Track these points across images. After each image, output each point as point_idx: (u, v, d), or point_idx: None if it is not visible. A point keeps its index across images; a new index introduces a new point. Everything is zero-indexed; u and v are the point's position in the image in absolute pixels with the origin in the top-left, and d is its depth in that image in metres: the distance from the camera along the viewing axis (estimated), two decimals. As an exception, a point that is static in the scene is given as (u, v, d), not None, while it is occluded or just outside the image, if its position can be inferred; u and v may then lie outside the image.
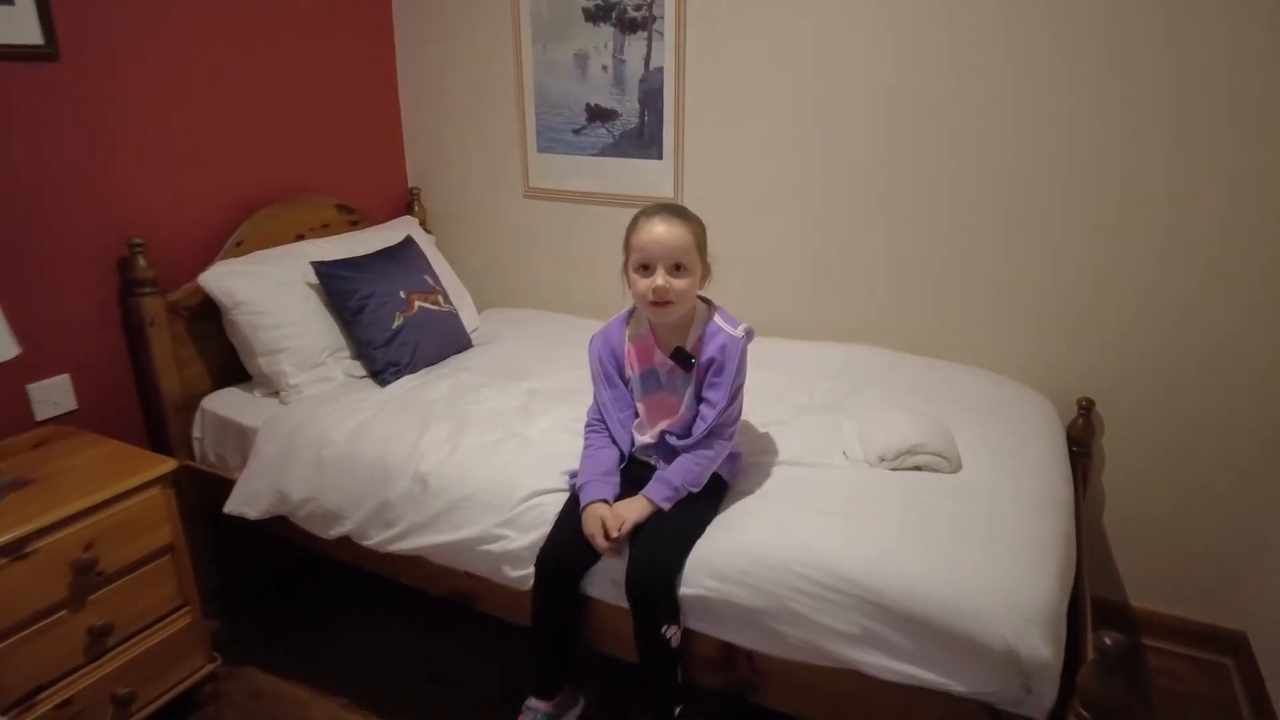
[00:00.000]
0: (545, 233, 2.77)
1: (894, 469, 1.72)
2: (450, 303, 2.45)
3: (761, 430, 1.89)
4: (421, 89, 2.83)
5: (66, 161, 1.96)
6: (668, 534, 1.57)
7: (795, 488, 1.67)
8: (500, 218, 2.84)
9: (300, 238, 2.48)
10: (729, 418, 1.63)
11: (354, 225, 2.67)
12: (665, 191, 2.51)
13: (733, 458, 1.73)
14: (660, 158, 2.49)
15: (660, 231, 1.58)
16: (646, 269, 1.59)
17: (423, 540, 1.77)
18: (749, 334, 1.64)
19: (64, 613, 1.70)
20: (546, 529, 1.66)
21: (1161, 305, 2.05)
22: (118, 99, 2.05)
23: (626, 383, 1.74)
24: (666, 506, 1.58)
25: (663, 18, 2.35)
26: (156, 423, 2.19)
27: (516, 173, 2.75)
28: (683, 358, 1.65)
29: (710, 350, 1.62)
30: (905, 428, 1.75)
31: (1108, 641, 1.24)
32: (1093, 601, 1.60)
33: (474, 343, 2.51)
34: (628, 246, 1.64)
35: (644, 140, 2.50)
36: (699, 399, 1.66)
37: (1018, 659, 1.30)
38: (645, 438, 1.71)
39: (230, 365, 2.29)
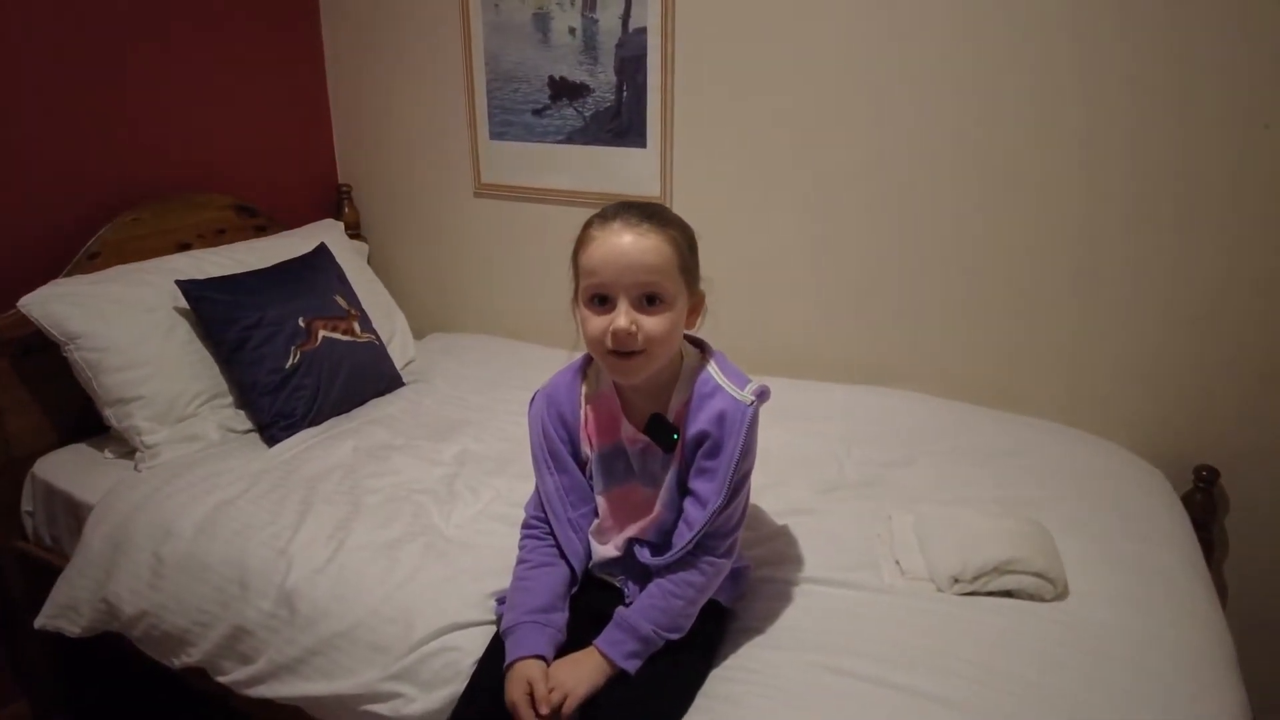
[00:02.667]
0: (500, 240, 2.23)
1: (965, 593, 1.17)
2: (370, 330, 1.91)
3: (776, 523, 1.35)
4: (352, 61, 2.29)
5: None
6: (636, 705, 1.03)
7: (828, 628, 1.13)
8: (446, 222, 2.30)
9: (185, 247, 1.94)
10: (727, 523, 1.09)
11: (260, 232, 2.13)
12: (650, 189, 1.97)
13: (735, 573, 1.19)
14: (643, 145, 1.95)
15: (624, 245, 1.03)
16: (603, 300, 1.05)
17: (288, 689, 1.23)
18: (762, 396, 1.09)
19: None
20: (460, 686, 1.12)
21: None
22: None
23: (583, 466, 1.20)
24: (631, 668, 1.04)
25: (645, -36, 1.81)
26: (-32, 491, 1.66)
27: (465, 166, 2.21)
28: (662, 431, 1.11)
29: (703, 421, 1.07)
30: (985, 531, 1.21)
31: None
32: None
33: (404, 380, 1.97)
34: (576, 267, 1.10)
35: (622, 123, 1.96)
36: (684, 492, 1.12)
37: None
38: (607, 549, 1.16)
39: (87, 414, 1.74)
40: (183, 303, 1.70)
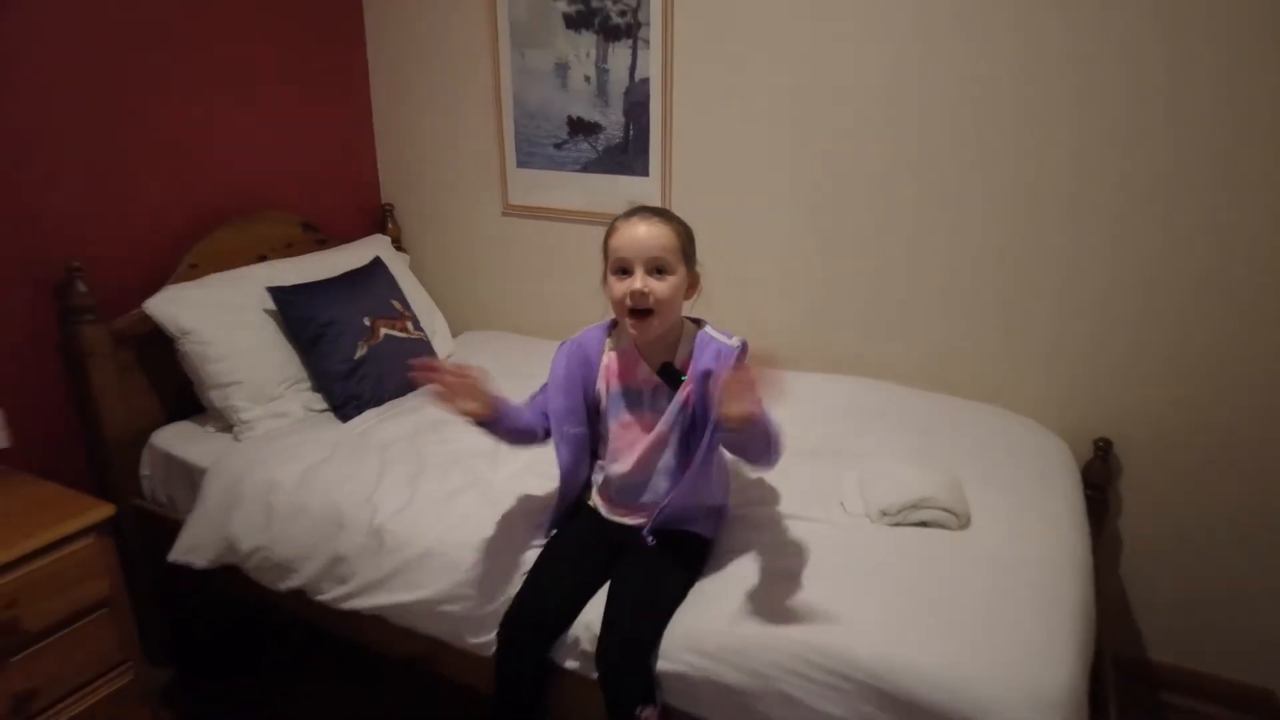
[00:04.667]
0: (525, 252, 2.62)
1: (896, 524, 1.56)
2: (420, 329, 2.29)
3: (753, 477, 1.73)
4: (396, 99, 2.67)
5: (-3, 179, 1.81)
6: (643, 603, 1.41)
7: (789, 547, 1.51)
8: (478, 236, 2.68)
9: (263, 258, 2.32)
10: None
11: (321, 245, 2.51)
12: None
13: (715, 512, 1.57)
14: (646, 174, 2.33)
15: (640, 231, 1.42)
16: (625, 272, 1.43)
17: (378, 599, 1.61)
18: (745, 345, 1.47)
19: (-16, 677, 1.54)
20: (512, 591, 1.50)
21: (1192, 338, 1.90)
22: (54, 108, 1.89)
23: (592, 401, 1.57)
24: (769, 419, 1.32)
25: (648, 24, 2.19)
26: (100, 460, 2.03)
27: (494, 189, 2.60)
28: (671, 375, 1.49)
29: (705, 361, 1.45)
30: (911, 479, 1.60)
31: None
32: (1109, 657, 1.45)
33: (447, 371, 2.35)
34: (606, 252, 1.48)
35: (629, 156, 2.34)
36: (690, 426, 1.49)
37: (1033, 756, 1.15)
38: (620, 465, 1.54)
39: (187, 396, 2.13)
40: (269, 304, 2.08)
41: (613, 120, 2.33)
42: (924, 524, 1.56)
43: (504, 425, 1.50)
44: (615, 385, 1.55)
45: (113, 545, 1.74)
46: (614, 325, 1.59)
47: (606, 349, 1.57)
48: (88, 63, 1.94)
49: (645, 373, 1.52)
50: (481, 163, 2.58)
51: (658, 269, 1.42)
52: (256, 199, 2.37)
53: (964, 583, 1.40)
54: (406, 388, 2.19)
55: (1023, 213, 1.98)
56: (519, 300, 2.67)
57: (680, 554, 1.49)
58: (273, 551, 1.73)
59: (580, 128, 2.38)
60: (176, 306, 1.97)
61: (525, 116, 2.45)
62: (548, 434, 1.58)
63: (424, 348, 2.28)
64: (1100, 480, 2.00)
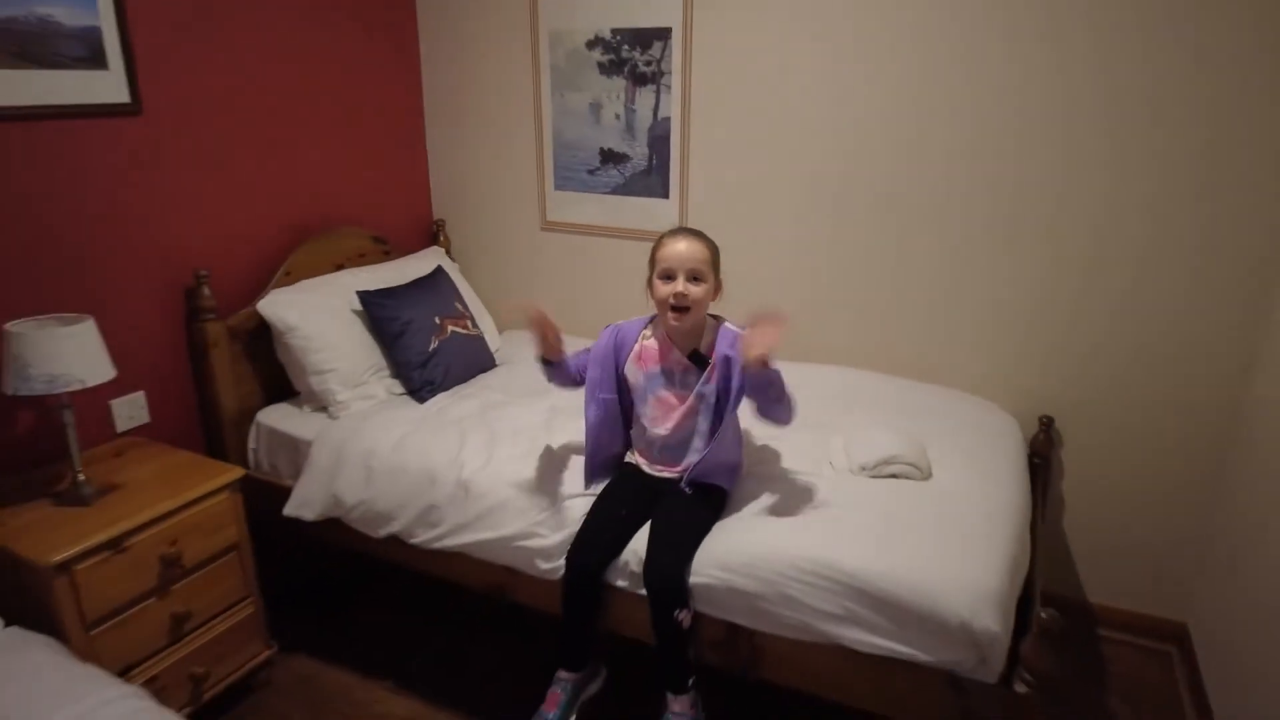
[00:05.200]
0: (560, 262, 3.05)
1: (873, 477, 1.99)
2: (477, 327, 2.71)
3: (760, 444, 2.16)
4: (447, 132, 3.10)
5: (144, 201, 2.22)
6: (680, 532, 1.84)
7: (789, 493, 1.94)
8: (519, 248, 3.11)
9: (340, 267, 2.73)
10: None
11: (386, 255, 2.93)
12: (671, 227, 2.78)
13: (733, 468, 1.99)
14: (666, 196, 2.77)
15: (682, 246, 1.85)
16: (669, 278, 1.86)
17: (465, 538, 2.03)
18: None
19: (152, 600, 1.94)
20: (574, 528, 1.92)
21: (1120, 338, 2.34)
22: (184, 145, 2.30)
23: (618, 374, 2.01)
24: (775, 369, 1.76)
25: (670, 73, 2.63)
26: (215, 434, 2.44)
27: (534, 208, 3.02)
28: (699, 359, 1.92)
29: (723, 348, 1.89)
30: (883, 441, 2.03)
31: (1044, 616, 1.52)
32: (1053, 598, 1.86)
33: (496, 363, 2.77)
34: (653, 261, 1.91)
35: (652, 180, 2.78)
36: (720, 399, 1.91)
37: (972, 632, 1.57)
38: (659, 429, 1.97)
39: (278, 382, 2.54)
40: (355, 305, 2.50)
41: (638, 151, 2.77)
42: (894, 476, 1.98)
43: (560, 368, 1.99)
44: (653, 367, 1.98)
45: (241, 501, 2.15)
46: (652, 319, 2.01)
47: (643, 337, 2.00)
48: (208, 111, 2.36)
49: (677, 357, 1.95)
50: (523, 185, 3.01)
51: (695, 277, 1.85)
52: (334, 217, 2.80)
53: (924, 517, 1.82)
54: (467, 375, 2.61)
55: (986, 230, 2.42)
56: (555, 303, 3.08)
57: (707, 499, 1.92)
58: (373, 504, 2.14)
59: (610, 157, 2.82)
60: (283, 307, 2.38)
61: (562, 147, 2.88)
62: (580, 381, 2.02)
63: (481, 343, 2.70)
64: (1044, 451, 2.43)
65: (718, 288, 1.92)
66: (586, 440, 2.01)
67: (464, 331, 2.63)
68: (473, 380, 2.61)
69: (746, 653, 1.81)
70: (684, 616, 1.78)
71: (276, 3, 2.49)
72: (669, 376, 1.97)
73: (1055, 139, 2.26)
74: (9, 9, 1.83)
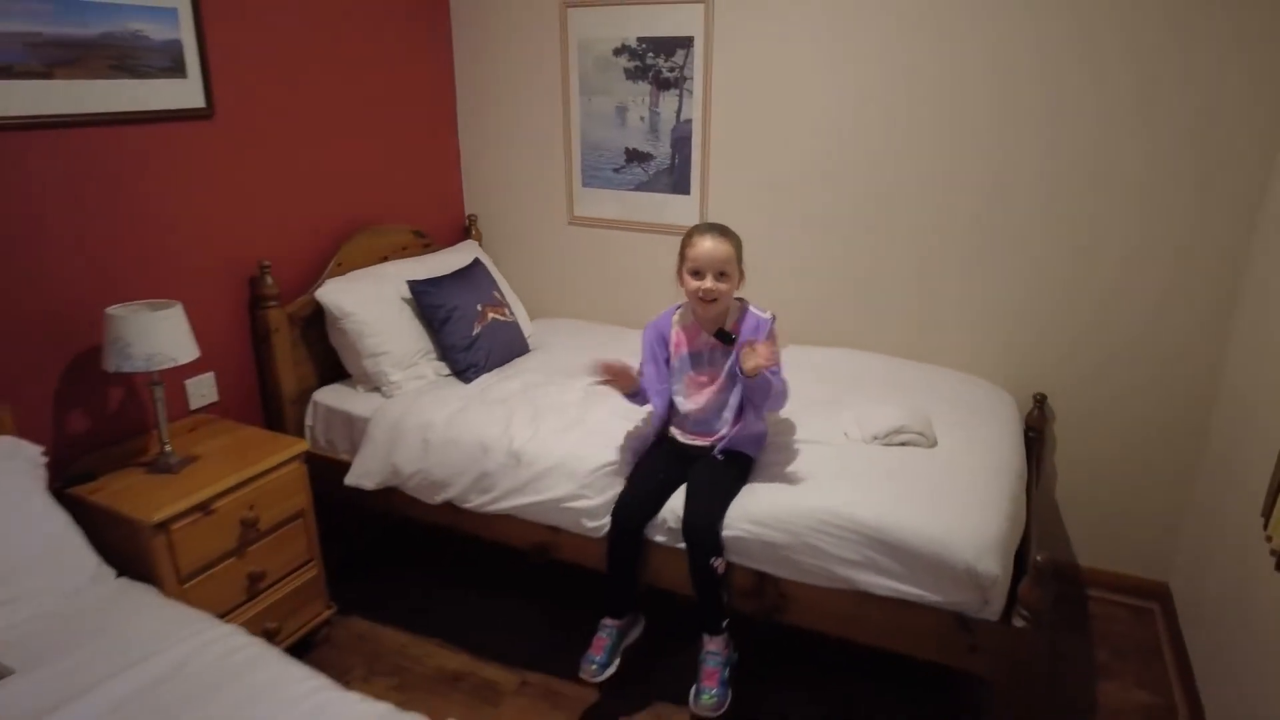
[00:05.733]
0: (586, 255, 3.25)
1: (885, 445, 2.21)
2: (512, 314, 2.92)
3: (782, 416, 2.38)
4: (478, 134, 3.31)
5: (214, 198, 2.42)
6: (714, 491, 2.05)
7: (809, 459, 2.15)
8: (547, 242, 3.32)
9: (385, 259, 2.94)
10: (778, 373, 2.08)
11: (426, 248, 3.14)
12: (692, 221, 2.97)
13: (759, 438, 2.20)
14: (687, 193, 2.98)
15: (709, 246, 2.06)
16: (697, 274, 2.07)
17: (517, 501, 2.24)
18: (774, 317, 2.13)
19: (232, 560, 2.15)
20: (615, 491, 2.13)
21: (1107, 322, 2.57)
22: (249, 146, 2.51)
23: (667, 362, 2.21)
24: (775, 377, 2.02)
25: (692, 78, 2.84)
26: (274, 412, 2.64)
27: (561, 203, 3.23)
28: (724, 336, 2.13)
29: (746, 331, 2.10)
30: (893, 413, 2.24)
31: (1039, 559, 1.74)
32: (1046, 561, 2.07)
33: (530, 348, 2.97)
34: (682, 255, 2.12)
35: (674, 178, 2.99)
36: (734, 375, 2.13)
37: (976, 575, 1.79)
38: (691, 402, 2.18)
39: (329, 365, 2.75)
40: (404, 293, 2.71)
41: (662, 151, 2.98)
42: (903, 444, 2.20)
43: (638, 396, 2.17)
44: (684, 350, 2.19)
45: (306, 472, 2.35)
46: (677, 309, 2.23)
47: (674, 325, 2.21)
48: (269, 115, 2.57)
49: (705, 339, 2.16)
50: (552, 183, 3.22)
51: (721, 273, 2.06)
52: (380, 213, 3.00)
53: (931, 479, 2.04)
54: (508, 358, 2.82)
55: (982, 222, 2.64)
56: (581, 292, 3.31)
57: (736, 464, 2.13)
58: (430, 473, 2.35)
59: (635, 156, 3.03)
60: (340, 295, 2.59)
61: (590, 147, 3.09)
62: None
63: (517, 329, 2.91)
64: (1038, 425, 2.65)
65: (741, 277, 2.13)
66: (654, 420, 2.24)
67: (502, 318, 2.84)
68: (510, 363, 2.82)
69: (774, 599, 2.03)
70: (719, 564, 1.99)
71: (323, 13, 2.69)
72: (699, 358, 2.18)
73: (1044, 133, 2.48)
74: (108, 25, 2.04)
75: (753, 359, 1.95)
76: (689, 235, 2.12)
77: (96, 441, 2.21)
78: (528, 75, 3.14)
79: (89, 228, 2.12)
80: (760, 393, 2.05)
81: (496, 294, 2.90)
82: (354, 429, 2.56)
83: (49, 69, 1.94)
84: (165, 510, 1.96)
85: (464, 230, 3.41)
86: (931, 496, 1.96)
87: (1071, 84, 2.42)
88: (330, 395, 2.66)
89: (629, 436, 2.25)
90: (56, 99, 1.97)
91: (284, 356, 2.60)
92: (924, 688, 2.32)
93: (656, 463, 2.17)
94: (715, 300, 2.07)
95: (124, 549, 1.97)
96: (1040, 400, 2.65)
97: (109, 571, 1.89)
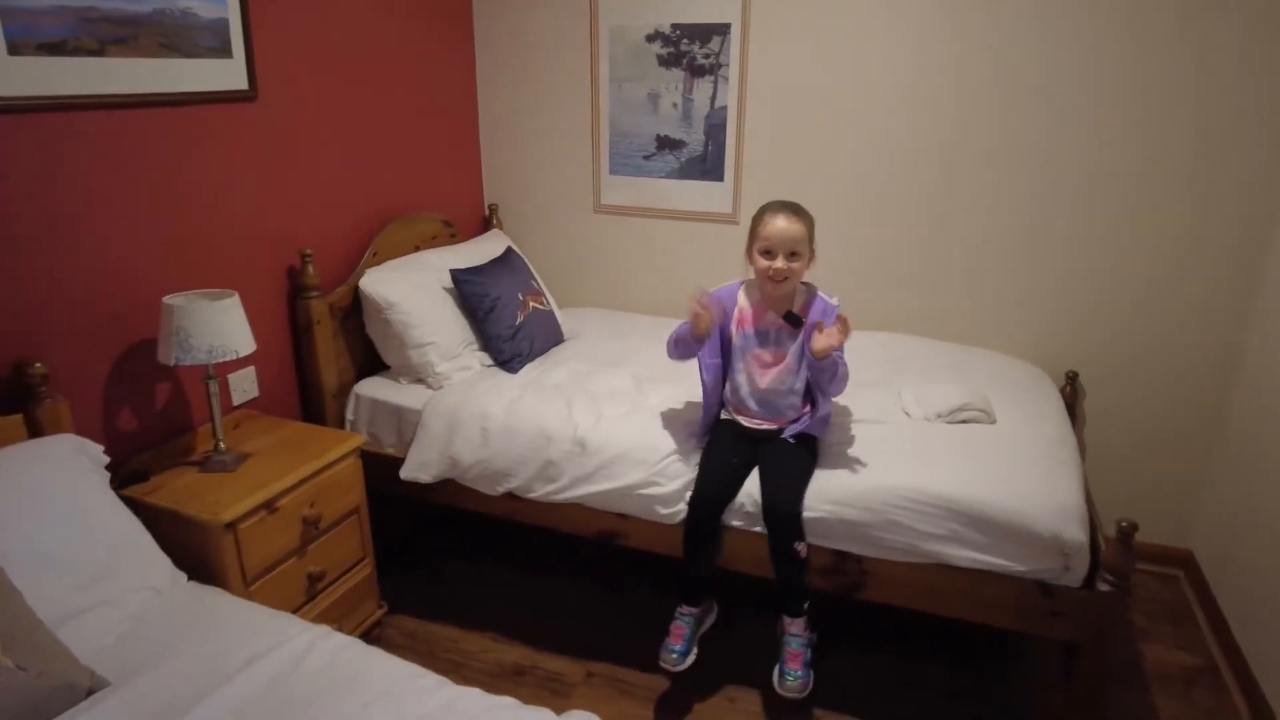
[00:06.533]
0: (614, 243, 3.23)
1: (949, 423, 2.25)
2: (549, 303, 2.89)
3: (836, 401, 2.40)
4: (499, 121, 3.26)
5: (256, 183, 2.33)
6: (791, 475, 2.06)
7: (876, 438, 2.18)
8: (572, 231, 3.28)
9: (417, 249, 2.87)
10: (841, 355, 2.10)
11: (453, 238, 3.07)
12: (724, 208, 3.01)
13: (826, 419, 2.22)
14: (721, 180, 2.98)
15: (782, 225, 2.06)
16: (769, 253, 2.08)
17: (585, 490, 2.21)
18: (838, 305, 2.14)
19: (293, 560, 2.08)
20: (688, 476, 2.13)
21: (1136, 306, 2.67)
22: (290, 131, 2.42)
23: (723, 337, 2.19)
24: (839, 357, 2.03)
25: (728, 65, 2.85)
26: (315, 406, 2.56)
27: (588, 192, 3.20)
28: (793, 319, 2.14)
29: (814, 315, 2.11)
30: (954, 391, 2.29)
31: (1124, 524, 1.80)
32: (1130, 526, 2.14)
33: (564, 337, 2.94)
34: (753, 233, 2.11)
35: (707, 166, 2.99)
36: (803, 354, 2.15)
37: (1061, 543, 1.84)
38: (759, 385, 2.17)
39: (366, 357, 2.68)
40: (446, 283, 2.65)
41: (695, 138, 2.98)
42: (965, 421, 2.25)
43: (695, 344, 2.15)
44: (749, 328, 2.19)
45: (361, 466, 2.29)
46: (743, 285, 2.23)
47: (740, 301, 2.21)
48: (308, 99, 2.48)
49: (772, 318, 2.17)
50: (577, 170, 3.19)
51: (793, 252, 2.07)
52: (410, 202, 2.94)
53: (1001, 452, 2.09)
54: (548, 347, 2.78)
55: (1023, 208, 2.71)
56: (608, 281, 3.29)
57: (806, 446, 2.15)
58: (491, 464, 2.30)
59: (667, 144, 3.02)
60: (383, 285, 2.52)
61: (619, 135, 3.07)
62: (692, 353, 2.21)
63: (554, 318, 2.87)
64: (1070, 401, 2.73)
65: (811, 257, 2.14)
66: (704, 402, 2.22)
67: (541, 307, 2.80)
68: (549, 353, 2.78)
69: (854, 575, 2.05)
70: (802, 548, 2.01)
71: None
72: (764, 336, 2.18)
73: (1089, 122, 2.56)
74: (160, 2, 1.94)
75: (823, 340, 1.97)
76: (760, 213, 2.12)
77: (144, 439, 2.12)
78: (553, 62, 3.10)
79: (136, 213, 2.02)
80: (827, 375, 2.06)
81: (535, 283, 2.86)
82: (403, 422, 2.50)
83: (102, 46, 1.84)
84: (233, 509, 1.88)
85: (484, 220, 3.35)
86: (1006, 469, 2.01)
87: (1119, 73, 2.49)
88: (373, 388, 2.59)
89: (689, 421, 2.25)
90: (109, 78, 1.87)
91: (326, 349, 2.52)
92: (962, 651, 2.39)
93: (727, 448, 2.17)
94: (785, 280, 2.08)
95: (188, 551, 1.88)
96: (1072, 377, 2.74)
97: (180, 575, 1.81)
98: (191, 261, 2.17)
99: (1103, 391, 2.77)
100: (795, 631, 2.05)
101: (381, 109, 2.77)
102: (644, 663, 2.33)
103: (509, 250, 2.93)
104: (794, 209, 2.10)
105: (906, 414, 2.33)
